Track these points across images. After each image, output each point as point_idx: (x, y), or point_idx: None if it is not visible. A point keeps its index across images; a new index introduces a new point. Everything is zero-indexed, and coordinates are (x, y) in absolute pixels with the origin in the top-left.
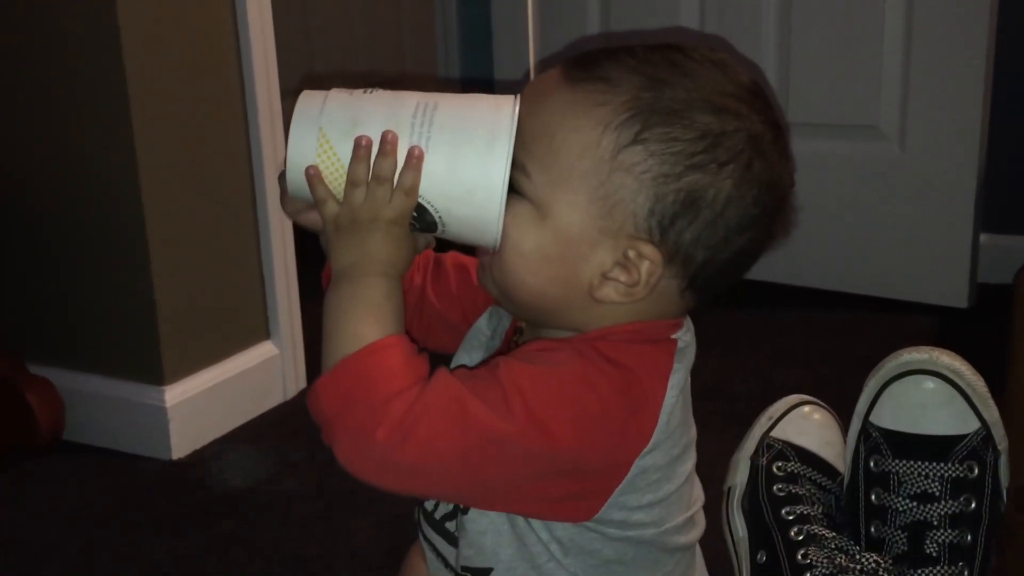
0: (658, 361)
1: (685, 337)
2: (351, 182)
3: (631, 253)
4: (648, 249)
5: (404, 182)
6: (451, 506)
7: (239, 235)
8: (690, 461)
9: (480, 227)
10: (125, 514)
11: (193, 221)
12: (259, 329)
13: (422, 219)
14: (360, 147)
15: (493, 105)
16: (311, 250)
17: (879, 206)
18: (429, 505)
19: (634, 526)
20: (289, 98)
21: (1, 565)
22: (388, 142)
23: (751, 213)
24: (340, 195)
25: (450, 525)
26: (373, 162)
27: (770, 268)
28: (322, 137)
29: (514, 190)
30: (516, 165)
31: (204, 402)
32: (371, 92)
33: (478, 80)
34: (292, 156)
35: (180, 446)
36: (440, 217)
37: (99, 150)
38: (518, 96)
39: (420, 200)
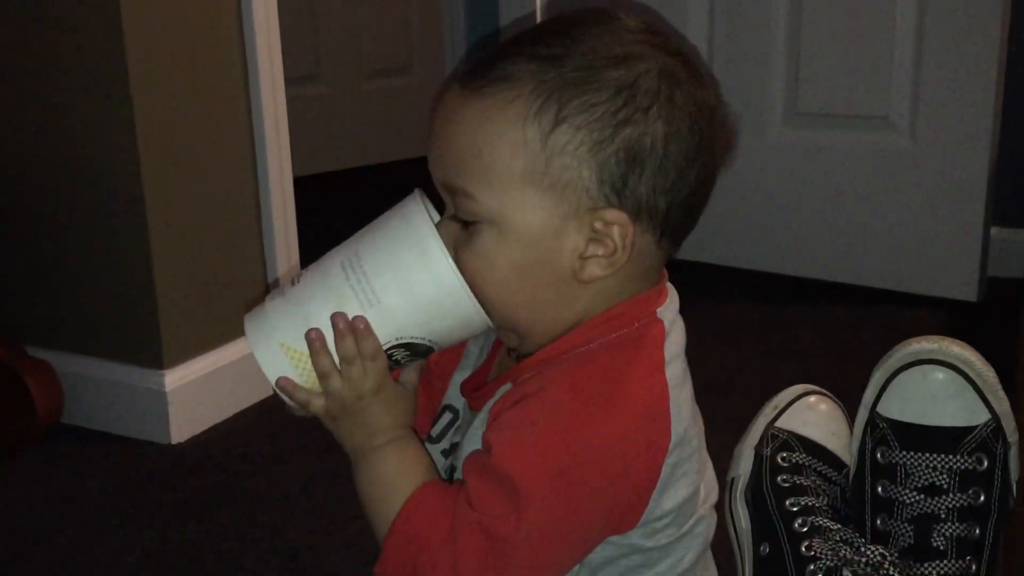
0: (653, 358)
1: (668, 313)
2: (321, 375)
3: (598, 225)
4: (612, 214)
5: (365, 352)
6: None
7: (241, 219)
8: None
9: (465, 324)
10: (122, 501)
11: (194, 204)
12: None
13: (416, 352)
14: (314, 341)
15: (401, 218)
16: (313, 234)
17: (889, 198)
18: None
19: (659, 532)
20: (294, 85)
21: None
22: (338, 323)
23: (692, 142)
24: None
25: None
26: (335, 347)
27: (778, 260)
28: (285, 348)
29: (466, 223)
30: (459, 192)
31: (204, 387)
32: (299, 280)
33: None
34: (271, 378)
35: (179, 431)
36: (428, 340)
37: (99, 134)
38: (417, 191)
39: (405, 340)
